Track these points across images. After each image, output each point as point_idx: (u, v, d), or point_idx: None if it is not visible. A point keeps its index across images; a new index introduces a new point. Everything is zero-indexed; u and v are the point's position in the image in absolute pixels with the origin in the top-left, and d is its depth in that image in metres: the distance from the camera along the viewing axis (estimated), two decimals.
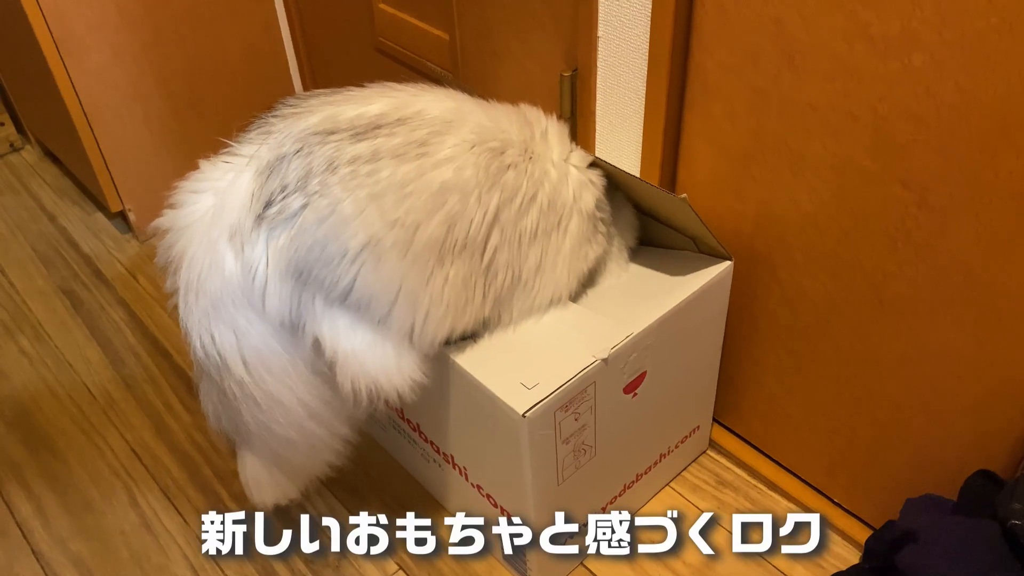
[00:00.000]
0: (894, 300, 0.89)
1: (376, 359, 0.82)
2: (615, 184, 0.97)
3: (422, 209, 0.79)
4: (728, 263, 0.98)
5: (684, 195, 0.87)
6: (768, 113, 0.89)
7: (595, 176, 0.93)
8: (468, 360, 0.89)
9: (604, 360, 0.87)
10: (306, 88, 1.72)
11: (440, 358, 0.89)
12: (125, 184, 1.60)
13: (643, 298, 0.95)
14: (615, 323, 0.91)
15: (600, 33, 0.99)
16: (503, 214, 0.84)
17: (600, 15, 0.98)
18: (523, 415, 0.83)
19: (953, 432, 0.92)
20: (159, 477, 1.23)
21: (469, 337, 0.91)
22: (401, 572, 1.08)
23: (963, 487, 0.87)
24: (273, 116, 0.84)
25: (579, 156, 0.93)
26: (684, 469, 1.18)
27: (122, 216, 1.69)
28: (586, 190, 0.92)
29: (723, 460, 1.20)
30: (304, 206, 0.76)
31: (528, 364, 0.87)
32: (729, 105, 0.93)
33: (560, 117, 1.06)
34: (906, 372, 0.92)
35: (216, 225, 0.79)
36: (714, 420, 1.21)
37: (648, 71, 0.96)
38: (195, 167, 0.84)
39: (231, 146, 0.84)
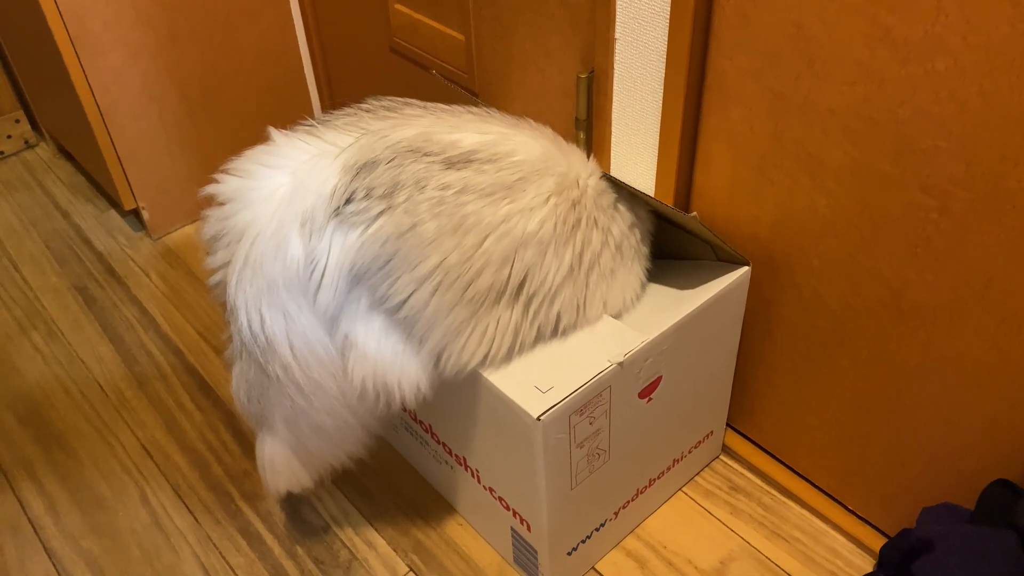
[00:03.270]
0: (913, 307, 0.88)
1: (398, 367, 0.83)
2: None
3: (497, 254, 0.80)
4: (745, 268, 0.97)
5: (694, 213, 0.87)
6: (787, 117, 0.89)
7: (635, 215, 0.96)
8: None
9: (620, 364, 0.87)
10: (320, 90, 1.73)
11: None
12: (139, 182, 1.60)
13: (660, 303, 0.95)
14: (631, 328, 0.91)
15: (617, 35, 0.99)
16: (575, 270, 0.87)
17: (617, 17, 0.97)
18: (537, 419, 0.82)
19: (971, 441, 0.91)
20: (170, 475, 1.23)
21: None
22: (412, 573, 1.08)
23: (981, 496, 0.87)
24: (365, 110, 0.85)
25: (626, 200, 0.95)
26: (697, 474, 1.18)
27: (135, 214, 1.70)
28: (636, 228, 0.96)
29: (736, 466, 1.19)
30: (383, 214, 0.76)
31: (543, 368, 0.87)
32: (747, 109, 0.92)
33: (575, 118, 1.06)
34: (924, 381, 0.91)
35: (290, 208, 0.78)
36: (728, 425, 1.20)
37: (666, 74, 0.95)
38: (209, 167, 0.83)
39: (308, 125, 0.84)
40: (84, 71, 1.44)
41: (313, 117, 0.88)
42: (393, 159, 0.77)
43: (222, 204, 0.81)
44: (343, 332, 0.81)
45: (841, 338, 0.98)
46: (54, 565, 1.12)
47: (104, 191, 1.79)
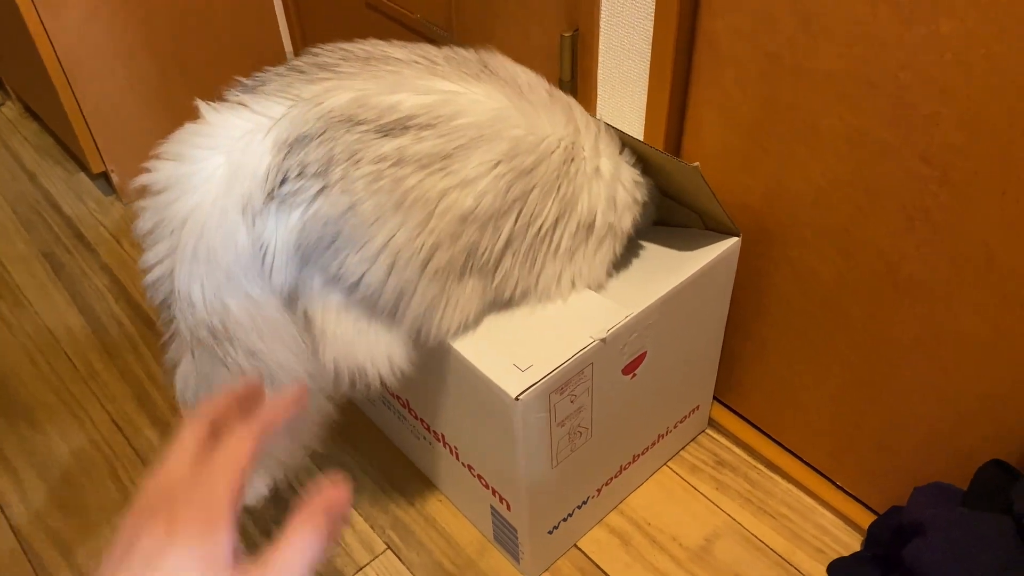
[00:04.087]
0: (909, 282, 0.84)
1: (366, 345, 0.79)
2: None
3: (445, 233, 0.75)
4: (735, 239, 0.93)
5: (696, 163, 0.82)
6: (781, 81, 0.84)
7: (640, 193, 0.89)
8: (460, 340, 0.84)
9: (603, 340, 0.83)
10: (295, 46, 1.66)
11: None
12: (108, 145, 1.54)
13: (645, 276, 0.90)
14: (615, 302, 0.87)
15: None
16: (516, 242, 0.81)
17: None
18: (516, 398, 0.78)
19: (966, 420, 0.88)
20: (142, 451, 1.19)
21: None
22: (389, 551, 1.05)
23: (975, 477, 0.84)
24: (298, 71, 0.78)
25: (629, 172, 0.88)
26: (682, 449, 1.15)
27: (105, 177, 1.64)
28: (628, 212, 0.88)
29: (722, 440, 1.16)
30: (321, 193, 0.71)
31: (522, 344, 0.83)
32: (739, 71, 0.87)
33: (559, 79, 1.00)
34: (919, 357, 0.88)
35: (230, 193, 0.72)
36: (714, 398, 1.17)
37: (654, 33, 0.90)
38: (180, 126, 0.76)
39: (237, 93, 0.77)
40: (44, 27, 1.37)
41: None
42: (324, 132, 0.71)
43: (157, 193, 0.74)
44: (302, 312, 0.77)
45: (834, 312, 0.94)
46: (20, 544, 1.09)
47: (72, 153, 1.72)
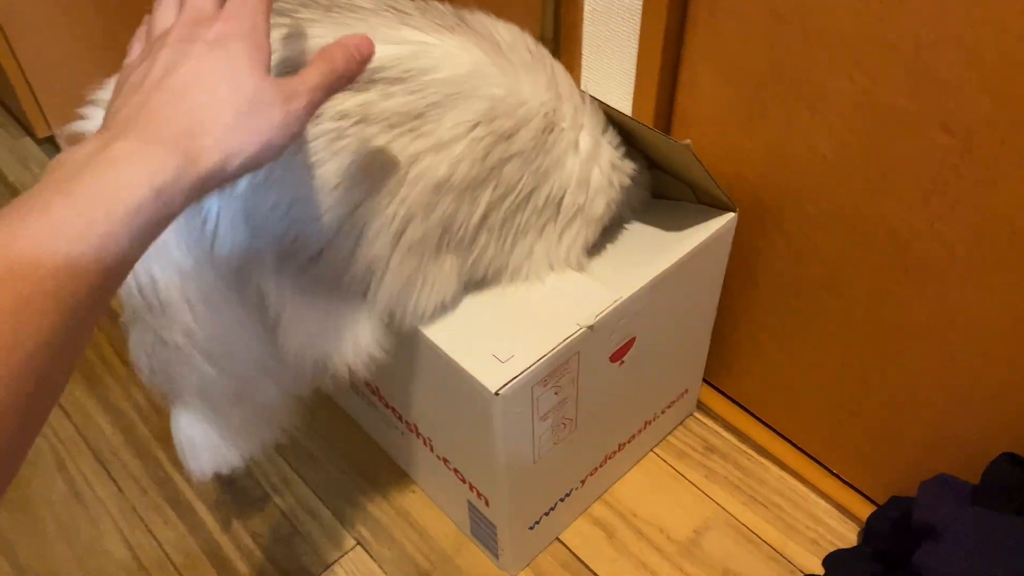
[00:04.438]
0: (921, 262, 0.78)
1: (328, 330, 0.71)
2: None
3: (418, 204, 0.67)
4: (731, 215, 0.86)
5: (688, 141, 0.74)
6: (786, 39, 0.76)
7: (617, 177, 0.81)
8: (435, 328, 0.77)
9: (590, 328, 0.76)
10: None
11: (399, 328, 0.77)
12: (53, 106, 1.43)
13: (634, 256, 0.83)
14: (602, 286, 0.79)
15: None
16: (493, 214, 0.73)
17: None
18: (495, 393, 0.71)
19: (975, 411, 0.82)
20: (91, 439, 1.11)
21: None
22: (360, 548, 0.99)
23: (987, 471, 0.78)
24: None
25: (609, 153, 0.79)
26: (669, 433, 1.09)
27: (52, 142, 1.52)
28: (601, 195, 0.79)
29: (711, 423, 1.10)
30: None
31: (502, 332, 0.76)
32: (740, 27, 0.79)
33: (541, 37, 0.91)
34: (928, 343, 0.82)
35: None
36: (703, 380, 1.10)
37: None
38: None
39: None
40: None
41: None
42: None
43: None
44: (255, 289, 0.69)
45: (835, 292, 0.88)
46: None
47: (16, 116, 1.60)
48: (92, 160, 0.40)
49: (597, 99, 0.79)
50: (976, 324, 0.77)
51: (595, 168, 0.78)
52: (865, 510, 0.96)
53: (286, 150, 0.49)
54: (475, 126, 0.67)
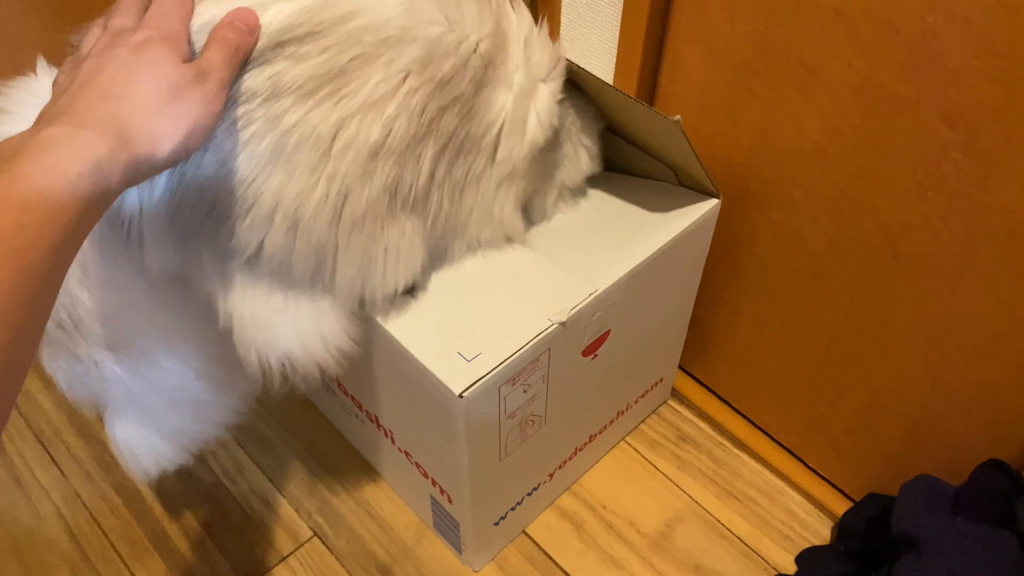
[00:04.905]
0: (912, 256, 0.74)
1: (289, 327, 0.64)
2: (579, 89, 0.77)
3: (352, 176, 0.59)
4: (715, 201, 0.81)
5: (678, 116, 0.68)
6: (778, 15, 0.70)
7: (551, 124, 0.72)
8: (396, 322, 0.71)
9: (562, 324, 0.71)
10: None
11: (363, 317, 0.71)
12: None
13: (610, 243, 0.78)
14: (575, 277, 0.74)
15: None
16: (439, 170, 0.65)
17: None
18: (460, 395, 0.66)
19: (961, 409, 0.79)
20: (32, 419, 1.05)
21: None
22: (316, 539, 0.94)
23: (971, 477, 0.75)
24: None
25: (549, 101, 0.70)
26: (642, 422, 1.05)
27: None
28: (544, 130, 0.71)
29: (685, 412, 1.06)
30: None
31: (469, 328, 0.70)
32: (729, 2, 0.73)
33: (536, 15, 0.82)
34: (914, 338, 0.78)
35: None
36: (679, 367, 1.07)
37: None
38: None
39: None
40: None
41: None
42: None
43: None
44: (200, 297, 0.63)
45: (819, 283, 0.84)
46: None
47: None
48: (26, 145, 0.41)
49: (570, 61, 0.72)
50: (967, 321, 0.73)
51: (531, 112, 0.69)
52: (841, 506, 0.93)
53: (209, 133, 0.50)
54: (406, 77, 0.59)
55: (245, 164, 0.56)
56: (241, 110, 0.55)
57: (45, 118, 0.45)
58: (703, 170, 0.77)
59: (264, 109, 0.55)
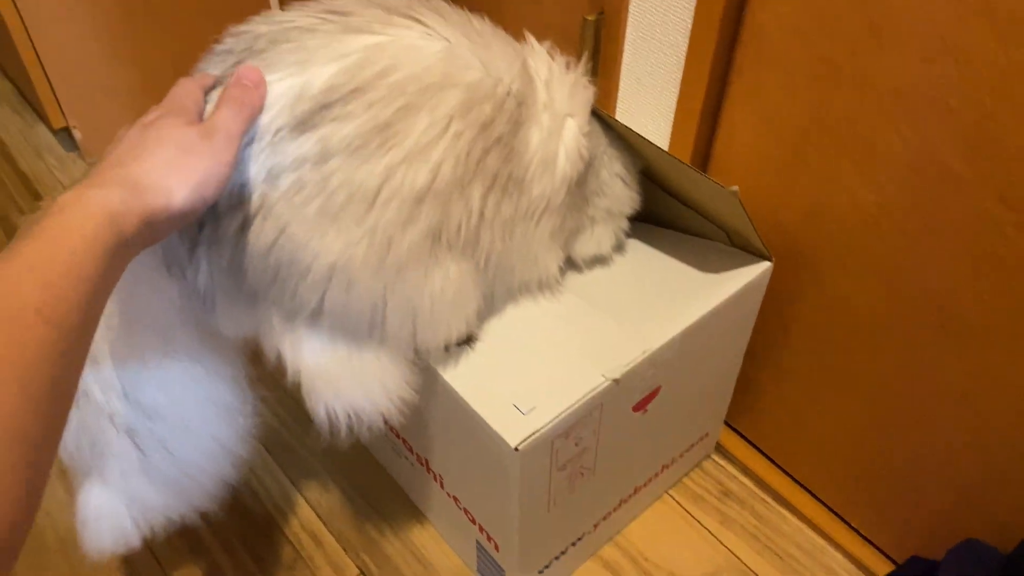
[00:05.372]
0: (963, 328, 0.75)
1: (353, 379, 0.67)
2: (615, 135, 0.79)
3: (393, 223, 0.61)
4: (767, 265, 0.83)
5: (735, 187, 0.71)
6: (836, 90, 0.73)
7: (584, 146, 0.73)
8: (453, 371, 0.74)
9: (616, 381, 0.73)
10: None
11: (422, 367, 0.74)
12: (69, 98, 1.40)
13: (663, 301, 0.80)
14: (629, 333, 0.76)
15: None
16: (487, 209, 0.66)
17: None
18: (515, 448, 0.68)
19: (1010, 478, 0.79)
20: None
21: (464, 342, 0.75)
22: (361, 575, 0.96)
23: (1021, 545, 0.75)
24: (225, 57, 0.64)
25: (578, 121, 0.72)
26: (685, 475, 1.06)
27: (67, 132, 1.49)
28: (573, 163, 0.72)
29: (729, 467, 1.07)
30: (243, 227, 0.59)
31: (524, 380, 0.73)
32: (788, 75, 0.76)
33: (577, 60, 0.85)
34: (964, 408, 0.79)
35: (146, 255, 0.58)
36: (723, 422, 1.08)
37: (693, 24, 0.78)
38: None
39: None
40: None
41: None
42: None
43: None
44: (273, 355, 0.66)
45: (868, 348, 0.85)
46: None
47: (32, 104, 1.58)
48: (46, 212, 0.46)
49: (623, 124, 0.74)
50: (1017, 393, 0.74)
51: (560, 147, 0.70)
52: (883, 567, 0.94)
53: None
54: (450, 121, 0.61)
55: (300, 227, 0.59)
56: (294, 176, 0.58)
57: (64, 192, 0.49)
58: (757, 236, 0.79)
59: (315, 172, 0.58)
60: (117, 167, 0.50)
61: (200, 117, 0.56)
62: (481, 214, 0.66)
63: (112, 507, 0.70)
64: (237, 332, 0.64)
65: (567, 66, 0.73)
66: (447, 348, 0.74)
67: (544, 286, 0.79)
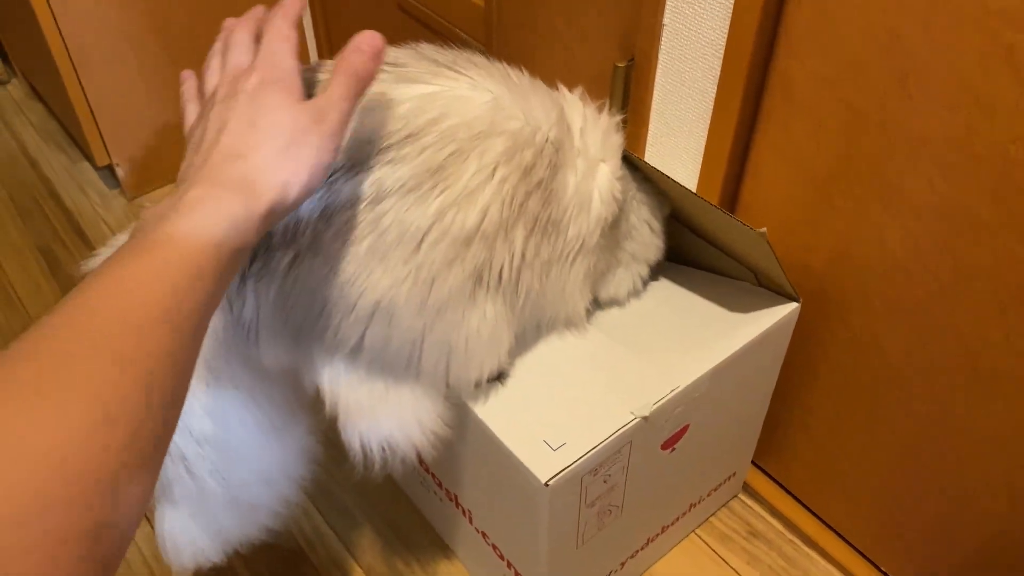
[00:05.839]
0: (993, 372, 0.75)
1: (389, 412, 0.69)
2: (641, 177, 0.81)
3: (439, 263, 0.63)
4: (795, 305, 0.84)
5: (763, 229, 0.72)
6: (864, 137, 0.74)
7: (610, 210, 0.75)
8: (484, 406, 0.75)
9: (645, 418, 0.74)
10: (319, 44, 1.56)
11: (454, 401, 0.76)
12: (113, 136, 1.45)
13: (692, 339, 0.81)
14: (658, 371, 0.77)
15: (666, 21, 0.83)
16: (528, 251, 0.68)
17: (668, 0, 0.82)
18: (546, 484, 0.70)
19: None
20: None
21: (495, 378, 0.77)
22: None
23: None
24: None
25: (611, 165, 0.74)
26: (712, 514, 1.06)
27: (110, 170, 1.54)
28: (607, 205, 0.74)
29: (756, 507, 1.07)
30: (294, 263, 0.61)
31: (554, 416, 0.74)
32: (816, 122, 0.78)
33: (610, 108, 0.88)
34: (995, 452, 0.79)
35: None
36: (751, 462, 1.08)
37: (722, 72, 0.80)
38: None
39: None
40: (51, 9, 1.28)
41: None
42: None
43: None
44: (311, 388, 0.68)
45: (897, 390, 0.85)
46: None
47: (77, 141, 1.63)
48: (172, 210, 0.46)
49: (653, 167, 0.77)
50: None
51: (595, 191, 0.73)
52: None
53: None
54: (496, 167, 0.63)
55: (349, 265, 0.61)
56: (347, 215, 0.60)
57: (187, 179, 0.49)
58: (785, 277, 0.80)
59: (368, 212, 0.60)
60: (234, 160, 0.49)
61: (302, 82, 0.53)
62: (523, 256, 0.68)
63: (183, 526, 0.73)
64: (278, 364, 0.66)
65: (599, 110, 0.75)
66: (478, 384, 0.75)
67: (570, 324, 0.81)
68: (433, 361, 0.69)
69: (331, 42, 1.54)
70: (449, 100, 0.63)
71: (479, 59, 0.69)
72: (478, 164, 0.63)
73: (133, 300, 0.41)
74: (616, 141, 0.75)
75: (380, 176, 0.60)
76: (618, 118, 0.77)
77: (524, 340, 0.79)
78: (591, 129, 0.73)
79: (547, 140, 0.67)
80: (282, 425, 0.72)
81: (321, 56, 1.58)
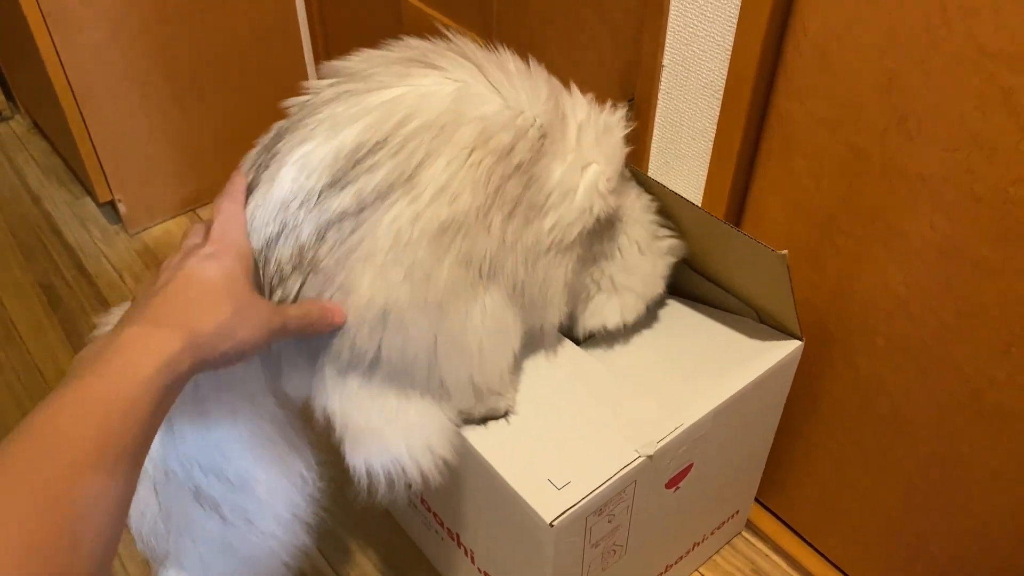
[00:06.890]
0: (996, 410, 0.75)
1: (398, 434, 0.69)
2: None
3: (427, 259, 0.64)
4: (798, 344, 0.84)
5: (785, 252, 0.72)
6: (865, 178, 0.75)
7: (600, 205, 0.74)
8: (486, 444, 0.75)
9: (649, 457, 0.74)
10: (315, 43, 1.56)
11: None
12: (116, 173, 1.46)
13: (696, 376, 0.81)
14: (662, 408, 0.77)
15: (666, 62, 0.85)
16: (508, 235, 0.68)
17: (668, 42, 0.83)
18: (551, 524, 0.69)
19: None
20: None
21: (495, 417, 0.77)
22: None
23: None
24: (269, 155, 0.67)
25: (604, 169, 0.73)
26: (716, 553, 1.05)
27: (112, 206, 1.55)
28: (590, 198, 0.73)
29: (760, 545, 1.06)
30: (303, 285, 0.63)
31: (558, 454, 0.74)
32: (816, 163, 0.78)
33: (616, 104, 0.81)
34: (1000, 490, 0.79)
35: None
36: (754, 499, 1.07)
37: (720, 113, 0.81)
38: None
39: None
40: (56, 47, 1.29)
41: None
42: (284, 226, 0.62)
43: None
44: (321, 414, 0.68)
45: (900, 428, 0.85)
46: None
47: (80, 177, 1.64)
48: (107, 347, 0.48)
49: (666, 187, 0.77)
50: None
51: (580, 185, 0.72)
52: None
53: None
54: (471, 151, 0.64)
55: (348, 277, 0.62)
56: (337, 229, 0.61)
57: (125, 320, 0.52)
58: (794, 307, 0.79)
59: (353, 222, 0.62)
60: (176, 303, 0.53)
61: (251, 252, 0.60)
62: (503, 240, 0.68)
63: None
64: (300, 393, 0.66)
65: (607, 109, 0.75)
66: (502, 381, 0.74)
67: (546, 334, 0.80)
68: (451, 366, 0.69)
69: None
70: (413, 100, 0.64)
71: (458, 47, 0.69)
72: (449, 154, 0.64)
73: (65, 442, 0.43)
74: (612, 144, 0.75)
75: (360, 186, 0.62)
76: (624, 121, 0.76)
77: (529, 343, 0.78)
78: (591, 130, 0.73)
79: (532, 124, 0.68)
80: (302, 471, 0.72)
81: (317, 57, 1.56)
